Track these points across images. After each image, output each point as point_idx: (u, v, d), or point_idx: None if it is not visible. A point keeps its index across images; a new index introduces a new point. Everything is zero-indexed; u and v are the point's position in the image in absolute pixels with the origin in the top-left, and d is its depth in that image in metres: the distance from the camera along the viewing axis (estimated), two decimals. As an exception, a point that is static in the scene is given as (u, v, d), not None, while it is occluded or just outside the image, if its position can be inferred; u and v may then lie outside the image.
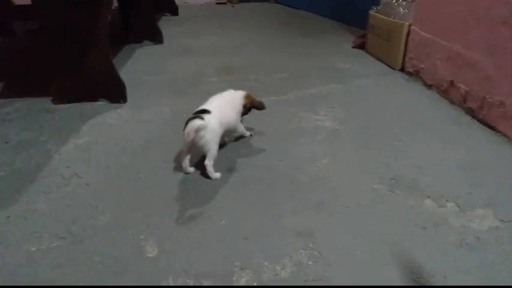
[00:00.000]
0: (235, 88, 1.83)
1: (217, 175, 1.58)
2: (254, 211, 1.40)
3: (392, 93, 2.45)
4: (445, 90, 2.32)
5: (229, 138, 1.85)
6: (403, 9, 2.80)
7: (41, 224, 1.35)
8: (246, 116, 1.84)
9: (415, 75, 2.64)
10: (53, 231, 1.32)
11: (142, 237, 1.29)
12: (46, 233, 1.31)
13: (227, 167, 1.66)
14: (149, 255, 1.22)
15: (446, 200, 1.44)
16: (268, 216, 1.38)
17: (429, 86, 2.49)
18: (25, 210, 1.42)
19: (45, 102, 2.31)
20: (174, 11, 4.98)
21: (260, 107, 1.81)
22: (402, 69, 2.80)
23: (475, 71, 2.06)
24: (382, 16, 2.97)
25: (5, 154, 1.78)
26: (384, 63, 2.96)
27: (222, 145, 1.76)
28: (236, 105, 1.74)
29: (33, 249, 1.25)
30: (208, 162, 1.54)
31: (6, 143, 1.88)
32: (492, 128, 1.95)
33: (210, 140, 1.51)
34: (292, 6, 5.36)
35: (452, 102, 2.26)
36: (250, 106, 1.79)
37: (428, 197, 1.46)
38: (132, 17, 3.63)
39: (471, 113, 2.11)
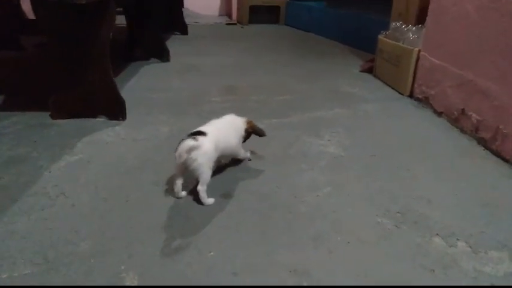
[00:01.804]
0: (237, 109, 1.76)
1: (210, 201, 1.49)
2: (247, 243, 1.29)
3: (401, 120, 2.36)
4: (456, 119, 2.22)
5: (225, 161, 1.76)
6: (413, 35, 2.74)
7: (18, 247, 1.26)
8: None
9: (425, 102, 2.55)
10: (29, 257, 1.22)
11: (122, 267, 1.19)
12: (21, 258, 1.21)
13: (221, 192, 1.56)
14: (128, 288, 1.11)
15: (457, 239, 1.31)
16: (262, 249, 1.27)
17: (439, 114, 2.39)
18: (3, 231, 1.33)
19: (44, 117, 2.26)
20: (183, 30, 5.01)
21: (261, 133, 1.73)
22: (411, 95, 2.71)
23: (487, 100, 1.96)
24: (391, 41, 2.91)
25: (-7, 170, 1.71)
26: (392, 89, 2.87)
27: (218, 168, 1.67)
28: (238, 129, 1.67)
29: (4, 276, 1.15)
30: (201, 188, 1.45)
31: (-3, 157, 1.82)
32: (506, 160, 1.83)
33: (203, 163, 1.42)
34: (301, 29, 5.37)
35: (463, 131, 2.16)
36: (251, 131, 1.72)
37: (437, 234, 1.34)
38: (140, 35, 3.63)
39: (483, 143, 1.99)
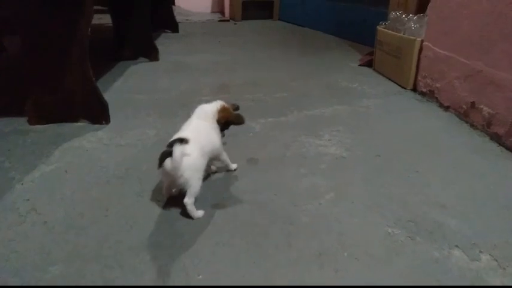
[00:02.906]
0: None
1: (199, 213, 1.32)
2: (241, 262, 1.13)
3: (405, 116, 2.20)
4: (465, 113, 2.06)
5: (215, 168, 1.60)
6: (414, 24, 2.58)
7: (-22, 274, 1.10)
8: (232, 138, 1.57)
9: (429, 95, 2.40)
10: (-11, 286, 1.06)
11: (97, 296, 1.03)
12: (-20, 288, 1.05)
13: (212, 203, 1.40)
14: (102, 323, 0.95)
15: (480, 251, 1.16)
16: (259, 269, 1.11)
17: (446, 108, 2.24)
18: (-37, 254, 1.17)
19: (21, 122, 2.09)
20: (174, 28, 4.82)
21: (237, 121, 1.47)
22: (414, 89, 2.55)
23: (500, 91, 1.81)
24: (391, 32, 2.75)
25: (-41, 183, 1.54)
26: (394, 82, 2.72)
27: (207, 175, 1.51)
28: (214, 124, 1.43)
29: (-42, 312, 0.99)
30: (188, 201, 1.28)
31: (-35, 169, 1.64)
32: (524, 157, 1.68)
33: (191, 176, 1.25)
34: (296, 24, 5.20)
35: (473, 126, 2.00)
36: (224, 122, 1.46)
37: (457, 246, 1.18)
38: (127, 33, 3.45)
39: (497, 139, 1.84)
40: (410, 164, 1.67)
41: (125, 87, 2.73)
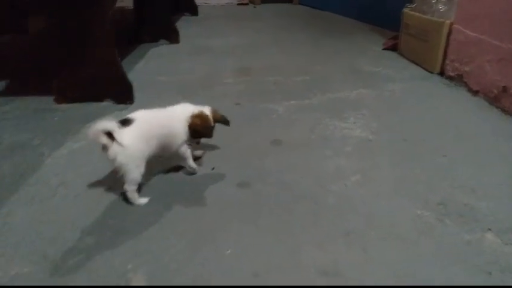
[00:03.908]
0: (252, 91, 1.56)
1: (140, 201, 1.28)
2: (268, 240, 1.14)
3: (432, 100, 2.15)
4: (496, 98, 2.00)
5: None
6: (443, 6, 2.49)
7: (15, 243, 1.14)
8: (256, 121, 1.55)
9: (457, 79, 2.33)
10: (26, 254, 1.10)
11: (129, 266, 1.05)
12: (18, 255, 1.09)
13: (237, 182, 1.41)
14: (135, 291, 0.98)
15: (514, 235, 1.14)
16: (285, 247, 1.11)
17: (475, 93, 2.17)
18: (1, 224, 1.21)
19: (47, 101, 2.13)
20: (194, 11, 4.80)
21: (204, 133, 1.37)
22: (441, 73, 2.48)
23: (535, 76, 1.74)
24: (418, 14, 2.66)
25: (-7, 157, 1.59)
26: (420, 67, 2.65)
27: (231, 153, 1.51)
28: (175, 123, 1.34)
29: (0, 274, 1.03)
30: (128, 187, 1.25)
31: (-3, 144, 1.69)
32: (557, 143, 1.63)
33: (125, 162, 1.20)
34: (317, 8, 5.09)
35: (504, 111, 1.94)
36: (193, 129, 1.34)
37: (489, 229, 1.16)
38: (148, 16, 3.46)
39: (529, 124, 1.78)
40: (438, 148, 1.64)
41: (147, 69, 2.74)
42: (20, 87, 2.36)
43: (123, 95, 2.12)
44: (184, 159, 1.41)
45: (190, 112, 1.36)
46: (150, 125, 1.28)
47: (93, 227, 1.19)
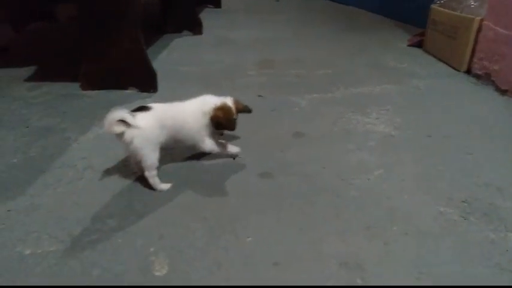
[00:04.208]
0: (275, 83, 1.55)
1: (163, 186, 1.31)
2: (289, 230, 1.15)
3: (458, 98, 2.10)
4: (525, 97, 1.94)
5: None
6: (474, 2, 2.42)
7: (42, 222, 1.17)
8: (278, 113, 1.54)
9: (485, 78, 2.27)
10: (53, 233, 1.13)
11: (152, 249, 1.07)
12: (46, 234, 1.13)
13: (259, 172, 1.42)
14: (157, 273, 1.00)
15: (540, 236, 1.11)
16: (306, 237, 1.12)
17: (503, 92, 2.11)
18: (29, 204, 1.25)
19: (74, 87, 2.18)
20: (217, 3, 4.82)
21: (227, 125, 1.36)
22: (468, 71, 2.42)
23: None
24: (447, 10, 2.60)
25: (22, 140, 1.64)
26: (446, 64, 2.59)
27: (252, 144, 1.52)
28: (196, 113, 1.35)
29: (28, 252, 1.07)
30: (148, 173, 1.28)
31: (26, 127, 1.75)
32: None
33: (141, 147, 1.23)
34: (340, 2, 5.03)
35: (534, 111, 1.88)
36: (216, 122, 1.34)
37: (515, 229, 1.13)
38: (172, 7, 3.49)
39: (560, 126, 1.73)
40: (463, 146, 1.60)
41: (170, 59, 2.78)
42: (48, 74, 2.42)
43: (147, 83, 2.15)
44: (202, 147, 1.39)
45: (212, 104, 1.35)
46: (163, 114, 1.31)
47: (118, 209, 1.22)
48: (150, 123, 1.25)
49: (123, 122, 1.19)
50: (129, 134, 1.21)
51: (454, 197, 1.28)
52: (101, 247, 1.08)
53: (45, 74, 2.43)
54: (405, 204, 1.25)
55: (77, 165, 1.47)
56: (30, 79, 2.33)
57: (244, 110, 1.43)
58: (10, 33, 3.02)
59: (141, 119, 1.23)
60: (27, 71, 2.45)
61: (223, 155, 1.47)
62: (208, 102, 1.37)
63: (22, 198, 1.28)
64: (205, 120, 1.34)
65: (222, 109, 1.35)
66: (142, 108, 1.29)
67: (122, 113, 1.19)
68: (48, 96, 2.07)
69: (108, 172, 1.41)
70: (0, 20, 2.90)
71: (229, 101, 1.38)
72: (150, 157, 1.26)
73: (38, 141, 1.63)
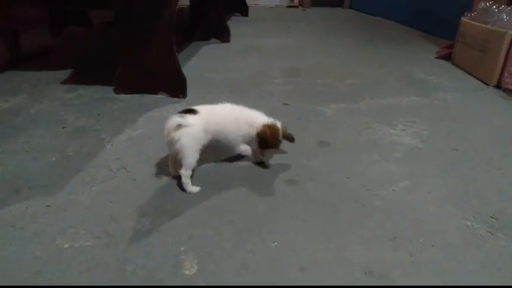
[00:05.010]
0: (300, 91, 1.59)
1: (193, 189, 1.36)
2: (314, 236, 1.17)
3: (487, 112, 2.07)
4: (558, 114, 1.90)
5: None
6: (506, 16, 2.39)
7: (79, 218, 1.24)
8: (303, 121, 1.58)
9: (516, 93, 2.23)
10: (90, 228, 1.19)
11: (182, 249, 1.12)
12: (82, 229, 1.19)
13: (285, 178, 1.45)
14: (187, 272, 1.04)
15: None
16: (331, 244, 1.14)
17: (534, 107, 2.07)
18: (66, 200, 1.32)
19: (108, 91, 2.28)
20: (244, 11, 4.92)
21: (267, 145, 1.42)
22: (498, 86, 2.39)
23: None
24: (477, 24, 2.58)
25: (59, 139, 1.73)
26: (475, 78, 2.56)
27: (279, 152, 1.55)
28: (240, 123, 1.43)
29: (66, 245, 1.13)
30: (184, 172, 1.34)
31: (63, 127, 1.84)
32: None
33: (187, 145, 1.31)
34: (368, 13, 5.03)
35: None
36: (262, 138, 1.41)
37: (545, 247, 1.12)
38: (202, 15, 3.59)
39: None
40: (492, 160, 1.59)
41: (199, 65, 2.86)
42: (83, 77, 2.54)
43: (177, 88, 2.23)
44: (236, 149, 1.48)
45: (261, 121, 1.43)
46: (210, 116, 1.39)
47: (150, 209, 1.28)
48: (198, 123, 1.34)
49: (180, 126, 1.30)
50: (178, 132, 1.30)
51: (481, 212, 1.27)
52: (134, 244, 1.13)
53: (80, 77, 2.55)
54: (431, 216, 1.26)
55: (110, 165, 1.54)
56: (66, 82, 2.45)
57: (288, 136, 1.49)
58: (49, 37, 3.18)
59: (191, 119, 1.33)
60: (64, 74, 2.57)
61: (255, 159, 1.54)
62: (258, 117, 1.45)
63: (60, 194, 1.35)
64: (251, 131, 1.43)
65: (270, 127, 1.42)
66: (190, 111, 1.37)
67: (179, 119, 1.30)
68: (84, 99, 2.18)
69: (140, 173, 1.48)
70: (40, 24, 3.06)
71: (278, 123, 1.45)
72: (192, 156, 1.34)
73: (74, 141, 1.72)
